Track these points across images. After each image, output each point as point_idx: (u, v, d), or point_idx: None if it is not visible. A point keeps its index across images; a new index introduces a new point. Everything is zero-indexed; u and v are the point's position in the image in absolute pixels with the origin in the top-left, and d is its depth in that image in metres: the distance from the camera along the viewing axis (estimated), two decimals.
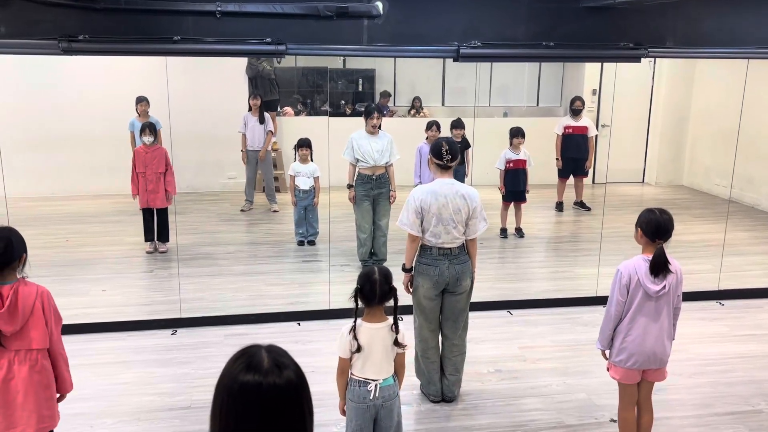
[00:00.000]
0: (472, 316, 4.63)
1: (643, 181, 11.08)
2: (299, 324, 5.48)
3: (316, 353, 4.95)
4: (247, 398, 1.38)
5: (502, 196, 7.92)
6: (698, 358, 4.84)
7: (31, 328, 2.98)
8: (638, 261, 3.49)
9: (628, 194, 10.35)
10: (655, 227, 3.46)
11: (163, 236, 7.21)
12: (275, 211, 8.90)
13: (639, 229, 3.52)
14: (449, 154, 4.10)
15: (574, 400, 4.35)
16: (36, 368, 3.02)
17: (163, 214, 7.15)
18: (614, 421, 4.08)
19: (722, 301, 5.96)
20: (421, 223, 4.08)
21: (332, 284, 5.88)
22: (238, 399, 1.39)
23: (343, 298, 5.71)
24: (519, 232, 8.02)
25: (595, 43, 5.28)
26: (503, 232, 7.97)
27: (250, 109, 8.96)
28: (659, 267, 3.42)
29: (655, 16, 5.29)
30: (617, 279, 3.51)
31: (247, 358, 1.43)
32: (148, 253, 7.09)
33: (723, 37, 5.41)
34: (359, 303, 3.16)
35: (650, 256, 3.45)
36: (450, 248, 4.12)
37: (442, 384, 4.32)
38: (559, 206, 9.17)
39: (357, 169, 6.73)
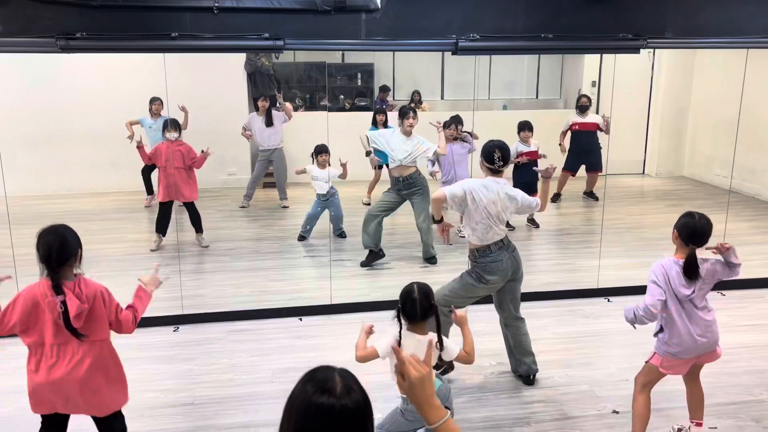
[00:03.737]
0: (473, 309, 4.63)
1: (644, 172, 11.08)
2: (301, 319, 5.48)
3: (318, 348, 4.96)
4: (320, 418, 1.52)
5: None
6: None
7: (91, 323, 3.07)
8: (669, 263, 3.50)
9: (628, 186, 10.35)
10: (691, 232, 3.46)
11: (198, 228, 7.27)
12: (285, 207, 8.89)
13: (676, 230, 3.52)
14: (501, 161, 4.25)
15: (577, 392, 4.35)
16: (94, 356, 3.12)
17: (191, 208, 7.19)
18: (616, 412, 4.09)
19: (723, 292, 5.95)
20: (458, 204, 4.22)
21: (333, 279, 5.88)
22: (311, 419, 1.52)
23: (345, 293, 5.78)
24: (533, 222, 8.04)
25: (593, 34, 5.27)
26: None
27: (256, 110, 8.94)
28: (691, 271, 3.44)
29: (654, 7, 5.28)
30: (651, 277, 3.52)
31: (320, 381, 1.56)
32: (152, 251, 7.09)
33: (722, 27, 5.39)
34: (402, 320, 3.18)
35: (681, 260, 3.47)
36: (501, 239, 4.29)
37: (520, 364, 4.50)
38: (556, 198, 9.16)
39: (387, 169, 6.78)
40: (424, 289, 3.18)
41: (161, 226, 7.14)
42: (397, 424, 3.26)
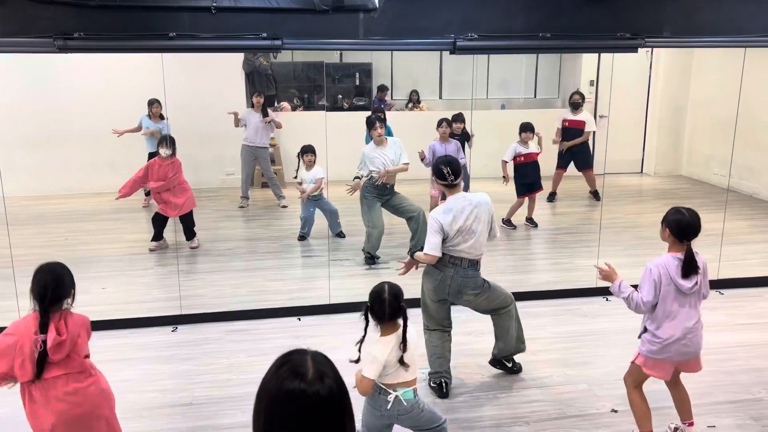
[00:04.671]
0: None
1: (642, 171, 11.08)
2: (299, 319, 5.48)
3: (317, 348, 4.94)
4: (290, 404, 1.44)
5: (517, 191, 7.95)
6: None
7: (72, 356, 3.07)
8: (668, 259, 3.51)
9: (626, 185, 10.36)
10: (684, 228, 3.49)
11: (189, 236, 7.21)
12: (285, 207, 8.90)
13: (667, 228, 3.53)
14: (452, 175, 4.16)
15: (575, 391, 4.36)
16: (82, 386, 3.11)
17: (185, 218, 7.12)
18: (615, 411, 4.09)
19: (722, 290, 5.97)
20: (444, 240, 4.13)
21: (332, 279, 5.88)
22: (281, 404, 1.44)
23: (343, 293, 5.78)
24: (531, 221, 8.08)
25: (591, 33, 5.27)
26: (509, 223, 8.00)
27: (252, 106, 8.95)
28: (690, 268, 3.48)
29: (652, 6, 5.29)
30: (647, 276, 3.52)
31: (292, 365, 1.47)
32: (151, 251, 7.08)
33: (720, 26, 5.40)
34: (370, 320, 3.15)
35: (678, 255, 3.50)
36: (462, 258, 4.16)
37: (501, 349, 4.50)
38: (552, 197, 9.18)
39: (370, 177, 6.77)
40: (394, 290, 3.15)
41: (157, 234, 7.12)
42: (368, 416, 3.24)
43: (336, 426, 1.47)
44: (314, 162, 7.25)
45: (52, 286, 3.01)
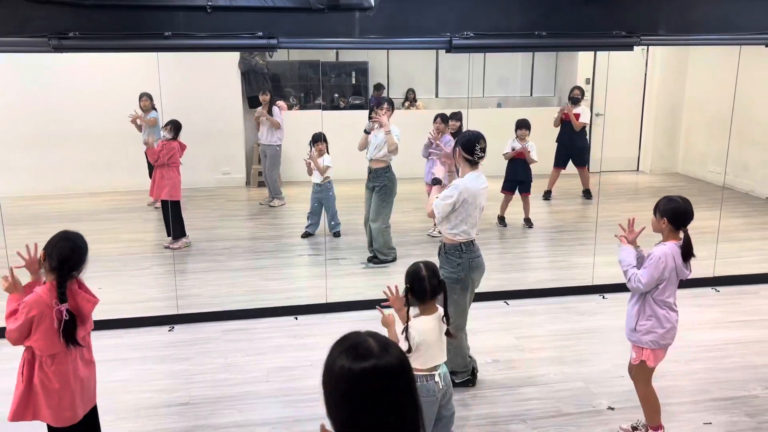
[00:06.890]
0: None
1: (638, 169, 11.11)
2: (296, 318, 5.48)
3: (314, 347, 4.96)
4: (367, 381, 1.50)
5: (503, 185, 7.97)
6: (694, 345, 4.86)
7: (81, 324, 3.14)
8: (674, 248, 3.55)
9: (622, 182, 10.37)
10: (681, 215, 3.54)
11: (168, 231, 7.14)
12: (272, 206, 8.89)
13: (664, 218, 3.56)
14: (482, 153, 4.04)
15: (572, 389, 4.36)
16: (86, 357, 3.26)
17: (165, 208, 7.10)
18: (611, 408, 4.11)
19: (717, 288, 5.98)
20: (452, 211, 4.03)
21: (329, 278, 5.88)
22: (359, 384, 1.50)
23: (340, 292, 5.78)
24: (528, 222, 8.07)
25: (587, 31, 5.28)
26: (501, 220, 8.01)
27: (255, 106, 9.02)
28: (690, 253, 3.55)
29: (648, 4, 5.30)
30: (655, 263, 3.52)
31: (356, 349, 1.53)
32: (165, 247, 7.08)
33: (715, 24, 5.41)
34: (410, 302, 3.12)
35: (678, 242, 3.55)
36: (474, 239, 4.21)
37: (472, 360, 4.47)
38: (547, 195, 9.19)
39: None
40: (431, 267, 3.15)
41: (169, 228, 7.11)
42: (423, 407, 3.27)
43: (409, 392, 1.54)
44: (325, 150, 7.26)
45: (72, 255, 3.05)
